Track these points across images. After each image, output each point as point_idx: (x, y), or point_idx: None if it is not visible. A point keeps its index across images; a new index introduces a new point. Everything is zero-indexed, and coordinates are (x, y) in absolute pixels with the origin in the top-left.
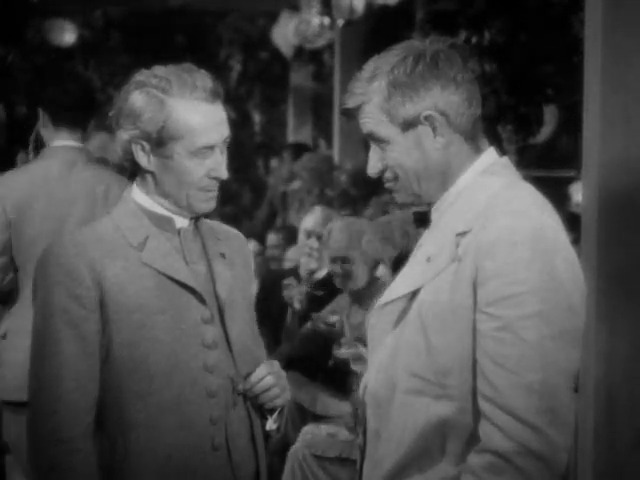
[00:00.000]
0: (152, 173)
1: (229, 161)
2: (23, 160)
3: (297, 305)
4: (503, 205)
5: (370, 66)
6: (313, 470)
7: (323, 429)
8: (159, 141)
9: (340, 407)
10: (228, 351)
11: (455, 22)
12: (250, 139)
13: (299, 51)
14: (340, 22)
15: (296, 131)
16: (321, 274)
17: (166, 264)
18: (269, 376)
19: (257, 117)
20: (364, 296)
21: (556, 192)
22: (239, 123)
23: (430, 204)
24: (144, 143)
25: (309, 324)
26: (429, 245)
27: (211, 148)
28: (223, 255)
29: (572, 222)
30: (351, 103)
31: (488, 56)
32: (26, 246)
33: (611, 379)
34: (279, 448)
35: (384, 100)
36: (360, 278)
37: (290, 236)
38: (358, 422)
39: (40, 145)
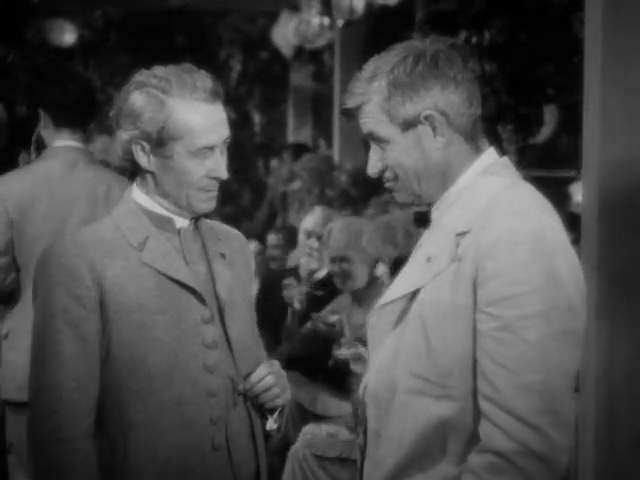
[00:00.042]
0: (152, 173)
1: (229, 161)
2: (25, 160)
3: (297, 305)
4: (503, 205)
5: (370, 66)
6: (313, 470)
7: (323, 429)
8: (159, 141)
9: (340, 407)
10: (228, 351)
11: (455, 22)
12: (250, 139)
13: (299, 51)
14: (340, 22)
15: (296, 131)
16: (321, 274)
17: (166, 264)
18: (269, 376)
19: (257, 117)
20: (365, 296)
21: (556, 192)
22: (239, 123)
23: (430, 204)
24: (144, 143)
25: (309, 324)
26: (429, 245)
27: (211, 148)
28: (223, 255)
29: (572, 222)
30: (351, 103)
31: (488, 56)
32: (28, 246)
33: (612, 379)
34: (279, 448)
35: (384, 100)
36: (360, 278)
37: (290, 236)
38: (359, 422)
39: (42, 146)
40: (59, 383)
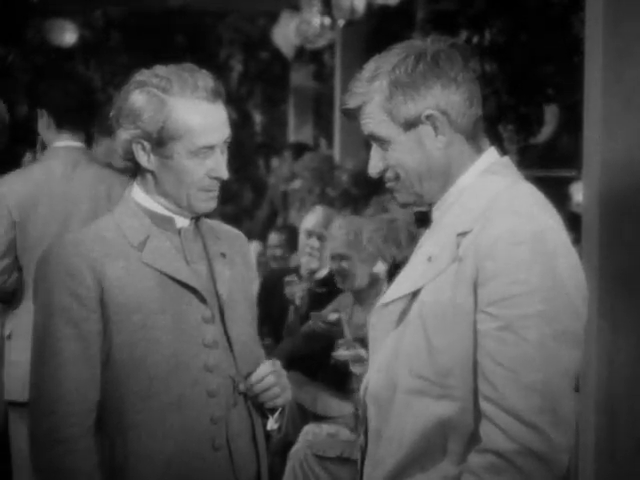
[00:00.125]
0: (152, 172)
1: (230, 161)
2: (30, 160)
3: (298, 302)
4: (504, 205)
5: (371, 66)
6: (314, 470)
7: (324, 429)
8: (159, 141)
9: (341, 407)
10: (229, 351)
11: (456, 22)
12: (251, 139)
13: (300, 51)
14: (341, 22)
15: (297, 131)
16: (322, 274)
17: (167, 264)
18: (270, 375)
19: (258, 117)
20: (366, 295)
21: (557, 192)
22: (240, 123)
23: (431, 204)
24: (144, 143)
25: (309, 323)
26: (430, 245)
27: (211, 148)
28: (224, 255)
29: (573, 222)
30: (352, 103)
31: (489, 56)
32: (30, 246)
33: (612, 379)
34: (280, 448)
35: (385, 100)
36: (360, 277)
37: (291, 236)
38: (359, 422)
39: (45, 146)
40: (58, 383)
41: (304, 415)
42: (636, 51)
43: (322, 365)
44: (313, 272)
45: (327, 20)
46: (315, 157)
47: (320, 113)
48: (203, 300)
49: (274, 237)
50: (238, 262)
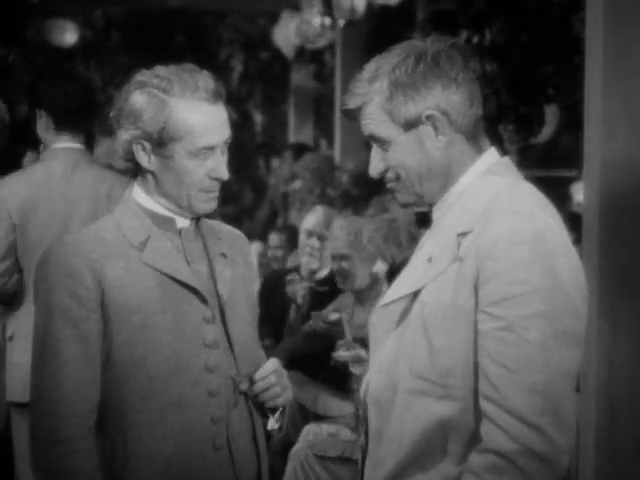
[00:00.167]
0: (153, 173)
1: (230, 161)
2: (31, 160)
3: (300, 300)
4: (504, 205)
5: (371, 66)
6: (315, 470)
7: (324, 429)
8: (160, 141)
9: (342, 407)
10: (229, 351)
11: (456, 22)
12: (251, 139)
13: (300, 51)
14: (341, 22)
15: (297, 131)
16: (322, 274)
17: (167, 264)
18: (271, 374)
19: (258, 117)
20: (367, 296)
21: (557, 192)
22: (240, 123)
23: (431, 204)
24: (145, 143)
25: (310, 322)
26: (430, 245)
27: (212, 149)
28: (224, 255)
29: (573, 222)
30: (352, 104)
31: (489, 56)
32: (31, 248)
33: (612, 379)
34: (281, 448)
35: (386, 100)
36: (360, 277)
37: (292, 236)
38: (360, 422)
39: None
40: (59, 384)
41: (305, 415)
42: (636, 51)
43: (323, 365)
44: (313, 272)
45: (327, 20)
46: (315, 157)
47: (320, 113)
48: (204, 300)
49: (274, 237)
50: (239, 262)
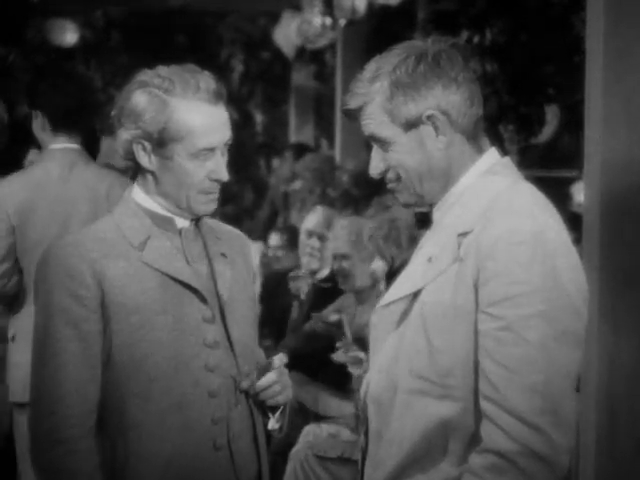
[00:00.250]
0: (153, 173)
1: (231, 161)
2: (33, 160)
3: (303, 296)
4: (505, 205)
5: (372, 66)
6: (315, 471)
7: (324, 429)
8: (160, 141)
9: (342, 407)
10: (229, 350)
11: (456, 22)
12: (252, 139)
13: (301, 51)
14: (342, 22)
15: (298, 131)
16: (322, 274)
17: (167, 264)
18: (271, 373)
19: (259, 117)
20: (368, 296)
21: (558, 192)
22: (241, 123)
23: (432, 204)
24: (145, 143)
25: (310, 322)
26: (431, 246)
27: (212, 150)
28: (224, 255)
29: (574, 222)
30: (353, 104)
31: (489, 56)
32: (30, 248)
33: (613, 379)
34: (282, 447)
35: (386, 100)
36: (360, 277)
37: (292, 236)
38: (360, 422)
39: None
40: (59, 384)
41: (305, 415)
42: (637, 51)
43: (323, 365)
44: (314, 272)
45: (328, 20)
46: (316, 157)
47: (321, 113)
48: (204, 300)
49: (275, 237)
50: (239, 262)
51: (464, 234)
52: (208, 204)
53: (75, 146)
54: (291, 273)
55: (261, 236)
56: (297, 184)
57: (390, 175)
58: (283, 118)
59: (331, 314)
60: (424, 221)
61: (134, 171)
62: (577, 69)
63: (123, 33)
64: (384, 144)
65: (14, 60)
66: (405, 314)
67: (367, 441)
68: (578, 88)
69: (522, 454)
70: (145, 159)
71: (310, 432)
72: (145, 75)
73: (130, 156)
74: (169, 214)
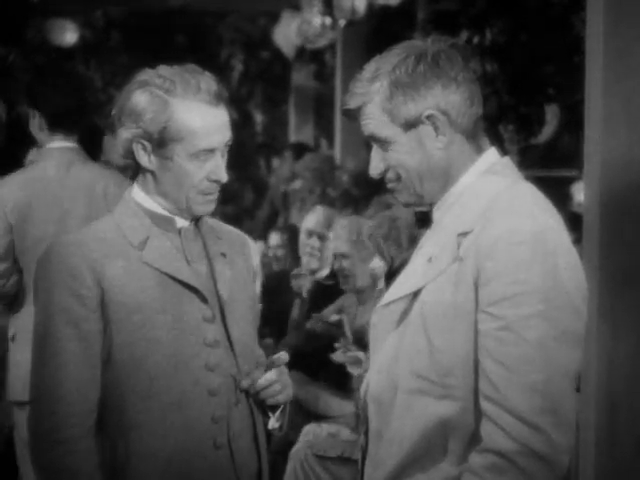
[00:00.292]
0: (152, 173)
1: (230, 161)
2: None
3: (306, 294)
4: (505, 205)
5: (371, 66)
6: (315, 470)
7: (324, 429)
8: (160, 141)
9: (342, 406)
10: (229, 350)
11: (456, 22)
12: (251, 139)
13: (300, 51)
14: (342, 22)
15: (297, 131)
16: (322, 274)
17: (167, 263)
18: (271, 372)
19: (258, 117)
20: (368, 296)
21: (558, 192)
22: (240, 123)
23: (432, 204)
24: (145, 143)
25: (310, 322)
26: (430, 245)
27: (212, 151)
28: (224, 254)
29: (574, 222)
30: (352, 104)
31: (489, 56)
32: (30, 248)
33: (612, 379)
34: (282, 447)
35: (386, 100)
36: (361, 276)
37: (292, 236)
38: (360, 422)
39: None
40: (59, 383)
41: (305, 415)
42: (636, 51)
43: (323, 364)
44: (314, 272)
45: (328, 20)
46: (316, 157)
47: (321, 113)
48: (204, 300)
49: (275, 237)
50: (239, 262)
51: (464, 234)
52: (207, 205)
53: (72, 145)
54: (294, 271)
55: (261, 236)
56: (297, 184)
57: (390, 175)
58: (283, 118)
59: (331, 314)
60: (424, 221)
61: (134, 171)
62: (577, 69)
63: (123, 33)
64: (384, 144)
65: (14, 60)
66: (405, 314)
67: (367, 440)
68: (578, 88)
69: (522, 454)
70: (145, 159)
71: (310, 431)
72: (146, 74)
73: (130, 155)
74: (169, 214)
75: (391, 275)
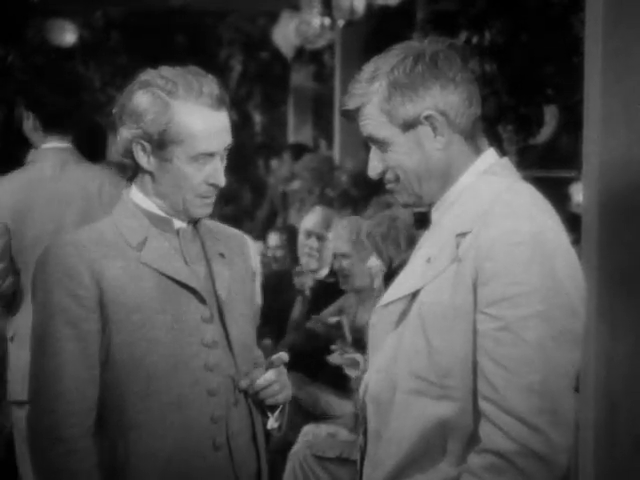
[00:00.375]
0: (151, 174)
1: (229, 161)
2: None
3: (308, 292)
4: (503, 206)
5: (370, 67)
6: (314, 470)
7: (323, 429)
8: (160, 143)
9: (342, 407)
10: (228, 350)
11: (456, 22)
12: (251, 139)
13: (300, 51)
14: (341, 22)
15: (296, 131)
16: (322, 274)
17: (165, 264)
18: (270, 372)
19: (257, 117)
20: (369, 296)
21: (557, 192)
22: (239, 123)
23: (431, 205)
24: (145, 143)
25: (310, 323)
26: (429, 246)
27: (211, 155)
28: (222, 255)
29: (573, 223)
30: (351, 104)
31: (488, 56)
32: (27, 248)
33: (611, 379)
34: (281, 447)
35: (384, 100)
36: (360, 276)
37: (291, 236)
38: (359, 422)
39: None
40: (58, 382)
41: (304, 415)
42: (636, 51)
43: (322, 365)
44: (313, 272)
45: (327, 20)
46: (315, 158)
47: (320, 114)
48: (202, 300)
49: (274, 237)
50: (237, 262)
51: (463, 234)
52: (204, 207)
53: (66, 145)
54: (296, 268)
55: (260, 236)
56: (296, 184)
57: (389, 175)
58: (282, 118)
59: (330, 316)
60: (423, 221)
61: (133, 171)
62: (576, 70)
63: (123, 33)
64: (382, 145)
65: (13, 60)
66: (404, 314)
67: (366, 441)
68: (577, 89)
69: (521, 454)
70: (144, 159)
71: (309, 432)
72: (148, 75)
73: (129, 155)
74: (166, 215)
75: (390, 276)
